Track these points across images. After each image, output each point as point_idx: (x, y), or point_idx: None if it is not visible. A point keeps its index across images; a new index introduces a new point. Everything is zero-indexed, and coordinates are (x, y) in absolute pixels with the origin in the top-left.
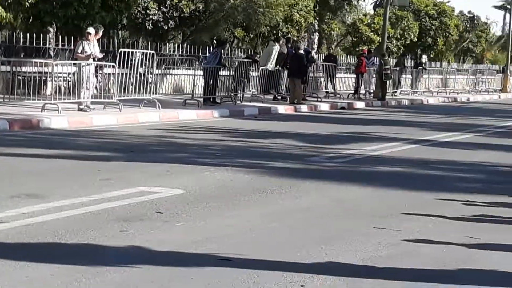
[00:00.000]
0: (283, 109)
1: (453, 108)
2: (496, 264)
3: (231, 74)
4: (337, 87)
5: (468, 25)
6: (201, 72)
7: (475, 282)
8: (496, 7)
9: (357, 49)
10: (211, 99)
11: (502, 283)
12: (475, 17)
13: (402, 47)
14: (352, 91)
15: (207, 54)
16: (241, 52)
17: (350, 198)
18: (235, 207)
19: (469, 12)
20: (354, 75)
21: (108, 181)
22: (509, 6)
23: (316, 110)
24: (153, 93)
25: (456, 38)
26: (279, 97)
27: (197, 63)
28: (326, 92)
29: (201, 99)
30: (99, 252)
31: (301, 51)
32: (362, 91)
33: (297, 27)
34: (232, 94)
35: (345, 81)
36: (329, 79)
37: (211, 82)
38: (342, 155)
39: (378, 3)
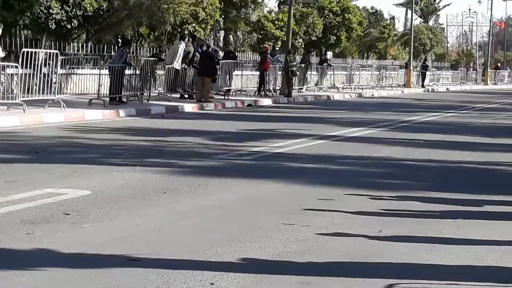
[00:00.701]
0: (190, 107)
1: (358, 104)
2: (403, 256)
3: (137, 73)
4: (243, 84)
5: (371, 21)
6: (106, 72)
7: (384, 275)
8: (397, 4)
9: (261, 45)
10: (117, 99)
11: (410, 275)
12: (378, 12)
13: (307, 44)
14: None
15: (112, 53)
16: (146, 50)
17: (259, 194)
18: (144, 207)
19: (372, 7)
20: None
21: (13, 184)
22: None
23: (223, 108)
24: (57, 93)
25: (360, 34)
26: (186, 96)
27: (102, 62)
28: (227, 90)
29: (107, 99)
30: (5, 255)
31: (211, 49)
32: (269, 87)
33: (203, 25)
34: (139, 93)
35: (251, 79)
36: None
37: (117, 82)
38: (250, 152)
39: (282, 0)
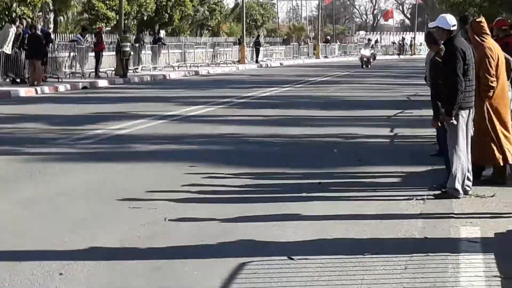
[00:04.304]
0: (23, 92)
1: (195, 82)
2: (253, 234)
3: None
4: (80, 66)
5: None
6: None
7: (235, 254)
8: None
9: (94, 27)
10: None
11: (261, 252)
12: None
13: (140, 23)
14: (94, 70)
15: None
16: None
17: (102, 179)
18: None
19: None
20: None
21: None
22: None
23: (58, 91)
24: None
25: (190, 13)
26: (18, 80)
27: None
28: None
29: None
30: None
31: (39, 32)
32: (103, 69)
33: (31, 7)
34: None
35: (88, 60)
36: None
37: None
38: (89, 136)
39: None
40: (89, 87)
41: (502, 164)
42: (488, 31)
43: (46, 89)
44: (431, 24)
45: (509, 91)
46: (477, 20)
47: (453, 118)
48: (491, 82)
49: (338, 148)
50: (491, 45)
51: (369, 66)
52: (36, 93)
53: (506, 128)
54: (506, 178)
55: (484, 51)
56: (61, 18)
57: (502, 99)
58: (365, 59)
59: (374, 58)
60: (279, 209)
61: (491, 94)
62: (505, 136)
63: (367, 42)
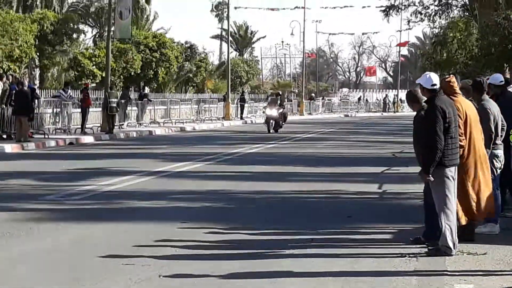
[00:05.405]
0: (10, 148)
1: (181, 138)
2: None
3: None
4: (64, 122)
5: (187, 55)
6: None
7: None
8: (212, 37)
9: (79, 82)
10: None
11: None
12: (193, 47)
13: (126, 80)
14: (79, 126)
15: None
16: None
17: (94, 235)
18: None
19: (186, 42)
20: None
21: None
22: (225, 36)
23: (45, 147)
24: None
25: (176, 69)
26: (5, 136)
27: None
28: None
29: None
30: None
31: (26, 88)
32: (89, 125)
33: (17, 63)
34: None
35: (73, 116)
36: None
37: None
38: (78, 192)
39: (98, 36)
40: (75, 143)
41: (463, 223)
42: (458, 90)
43: (33, 145)
44: (417, 81)
45: (498, 149)
46: (446, 79)
47: (430, 176)
48: (460, 140)
49: (326, 205)
50: (459, 103)
51: (278, 130)
52: (23, 149)
53: (478, 186)
54: (473, 235)
55: None
56: (47, 74)
57: (476, 156)
58: (272, 121)
59: (285, 119)
60: (272, 265)
61: (460, 152)
62: (474, 196)
63: (273, 97)
